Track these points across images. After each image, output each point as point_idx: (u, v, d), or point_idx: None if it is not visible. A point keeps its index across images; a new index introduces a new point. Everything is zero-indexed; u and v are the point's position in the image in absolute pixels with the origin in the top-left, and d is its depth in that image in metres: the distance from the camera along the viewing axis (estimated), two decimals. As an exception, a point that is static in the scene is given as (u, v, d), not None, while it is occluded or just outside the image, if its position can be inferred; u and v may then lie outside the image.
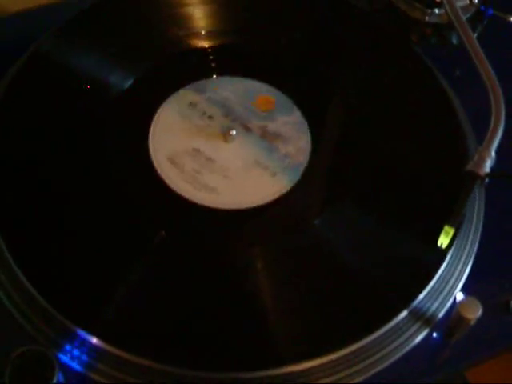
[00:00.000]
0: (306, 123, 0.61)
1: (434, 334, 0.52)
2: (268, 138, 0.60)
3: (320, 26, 0.67)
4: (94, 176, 0.56)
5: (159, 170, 0.57)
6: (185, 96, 0.61)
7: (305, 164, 0.58)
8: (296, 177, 0.58)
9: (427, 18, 0.66)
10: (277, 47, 0.64)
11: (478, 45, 0.61)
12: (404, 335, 0.51)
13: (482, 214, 0.58)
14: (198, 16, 0.66)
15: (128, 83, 0.61)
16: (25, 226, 0.53)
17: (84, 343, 0.49)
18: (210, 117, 0.60)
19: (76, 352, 0.49)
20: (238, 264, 0.53)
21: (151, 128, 0.59)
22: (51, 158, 0.56)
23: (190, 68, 0.63)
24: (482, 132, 0.58)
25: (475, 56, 0.60)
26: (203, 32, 0.65)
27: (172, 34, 0.64)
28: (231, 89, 0.62)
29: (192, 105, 0.60)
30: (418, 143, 0.59)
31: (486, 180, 0.55)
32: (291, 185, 0.57)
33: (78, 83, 0.60)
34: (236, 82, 0.62)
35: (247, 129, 0.60)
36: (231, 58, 0.64)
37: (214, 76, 0.62)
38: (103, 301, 0.50)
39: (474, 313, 0.49)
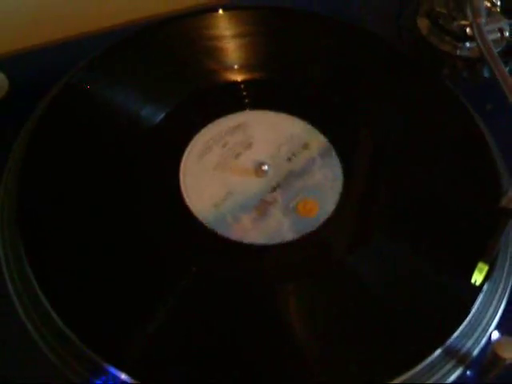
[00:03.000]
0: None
1: (469, 373, 0.51)
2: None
3: (351, 61, 0.66)
4: (126, 213, 0.56)
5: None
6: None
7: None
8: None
9: (458, 52, 0.66)
10: (310, 83, 0.64)
11: (510, 78, 0.60)
12: (438, 374, 0.50)
13: (515, 251, 0.57)
14: (231, 49, 0.66)
15: (159, 117, 0.61)
16: (57, 264, 0.52)
17: (114, 379, 0.48)
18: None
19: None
20: (272, 301, 0.52)
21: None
22: (81, 192, 0.56)
23: (222, 103, 0.63)
24: None
25: (508, 90, 0.59)
26: (236, 66, 0.65)
27: (203, 68, 0.64)
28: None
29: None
30: (451, 178, 0.59)
31: (522, 216, 0.54)
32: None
33: (109, 117, 0.60)
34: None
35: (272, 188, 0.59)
36: (264, 93, 0.64)
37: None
38: (133, 337, 0.49)
39: (510, 352, 0.48)
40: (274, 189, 0.58)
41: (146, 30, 0.66)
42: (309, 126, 0.62)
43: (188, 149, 0.59)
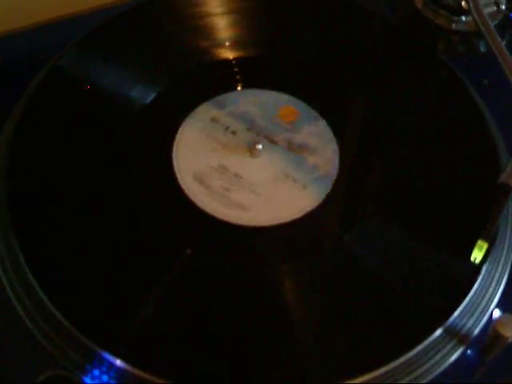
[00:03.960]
0: (331, 133, 0.59)
1: (470, 352, 0.51)
2: (295, 150, 0.58)
3: (343, 36, 0.65)
4: (117, 195, 0.55)
5: (186, 190, 0.55)
6: (206, 111, 0.59)
7: (334, 175, 0.57)
8: (327, 188, 0.56)
9: (454, 26, 0.65)
10: (298, 57, 0.63)
11: (507, 52, 0.59)
12: (439, 353, 0.50)
13: (515, 227, 0.56)
14: (221, 27, 0.65)
15: (150, 97, 0.59)
16: (49, 249, 0.51)
17: (109, 366, 0.47)
18: (234, 132, 0.58)
19: (101, 375, 0.47)
20: (269, 283, 0.51)
21: (174, 146, 0.57)
22: (72, 176, 0.55)
23: (213, 81, 0.61)
24: None
25: (505, 64, 0.58)
26: (227, 43, 0.64)
27: (195, 47, 0.63)
28: (253, 101, 0.60)
29: (214, 120, 0.59)
30: (448, 155, 0.58)
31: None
32: (323, 197, 0.56)
33: (99, 98, 0.59)
34: (257, 95, 0.61)
35: (273, 142, 0.58)
36: (252, 70, 0.63)
37: (238, 88, 0.61)
38: (128, 322, 0.49)
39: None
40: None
41: (135, 9, 0.64)
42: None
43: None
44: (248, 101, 0.60)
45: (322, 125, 0.60)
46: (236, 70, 0.62)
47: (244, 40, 0.64)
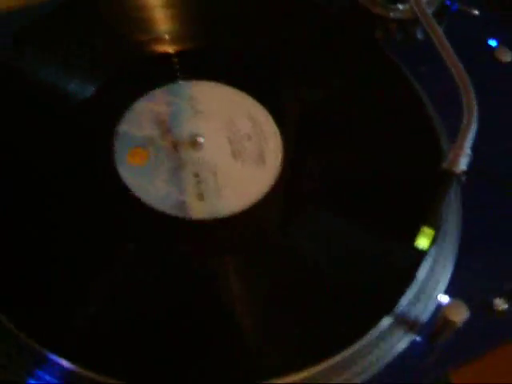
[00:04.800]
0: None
1: (419, 339, 0.51)
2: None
3: (282, 27, 0.64)
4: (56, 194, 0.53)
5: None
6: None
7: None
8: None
9: (391, 14, 0.65)
10: (239, 51, 0.63)
11: (445, 39, 0.59)
12: (388, 343, 0.50)
13: (459, 214, 0.56)
14: (160, 19, 0.63)
15: (89, 92, 0.58)
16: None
17: (55, 367, 0.46)
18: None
19: (47, 377, 0.46)
20: (211, 278, 0.51)
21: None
22: (10, 173, 0.53)
23: (152, 75, 0.60)
24: (453, 128, 0.56)
25: (443, 51, 0.58)
26: (166, 36, 0.62)
27: (133, 40, 0.62)
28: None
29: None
30: (388, 142, 0.58)
31: (463, 178, 0.53)
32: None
33: (36, 94, 0.57)
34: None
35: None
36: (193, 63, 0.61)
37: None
38: (72, 321, 0.47)
39: (461, 315, 0.48)
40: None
41: (71, 2, 0.63)
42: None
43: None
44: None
45: None
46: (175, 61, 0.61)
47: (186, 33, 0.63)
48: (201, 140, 0.56)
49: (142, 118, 0.57)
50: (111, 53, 0.61)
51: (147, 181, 0.54)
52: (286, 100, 0.60)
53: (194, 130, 0.57)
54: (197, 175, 0.55)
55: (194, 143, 0.56)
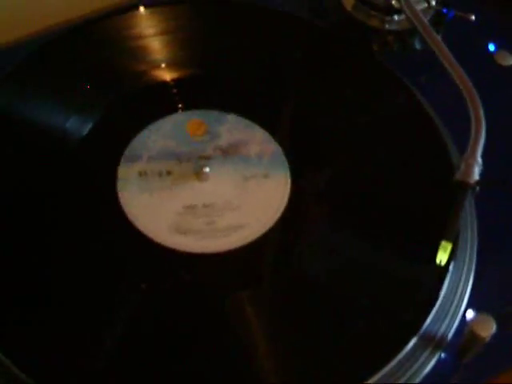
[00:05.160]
0: (245, 120, 0.58)
1: (446, 357, 0.49)
2: (230, 152, 0.57)
3: (279, 49, 0.63)
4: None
5: (177, 247, 0.52)
6: (128, 172, 0.55)
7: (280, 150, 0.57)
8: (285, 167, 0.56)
9: (387, 26, 0.64)
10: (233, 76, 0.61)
11: (445, 47, 0.58)
12: (416, 364, 0.48)
13: (475, 224, 0.55)
14: (156, 48, 0.62)
15: (87, 128, 0.56)
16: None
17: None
18: (169, 172, 0.55)
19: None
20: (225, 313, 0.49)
21: (129, 217, 0.53)
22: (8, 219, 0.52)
23: (152, 106, 0.59)
24: (457, 135, 0.57)
25: (444, 59, 0.58)
26: (163, 65, 0.61)
27: (129, 71, 0.60)
28: (160, 134, 0.57)
29: (142, 174, 0.55)
30: (397, 156, 0.57)
31: (477, 188, 0.52)
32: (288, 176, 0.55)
33: (31, 134, 0.56)
34: (157, 126, 0.58)
35: (207, 158, 0.56)
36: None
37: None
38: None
39: (488, 330, 0.46)
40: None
41: (63, 37, 0.61)
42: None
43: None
44: (155, 138, 0.57)
45: (231, 118, 0.58)
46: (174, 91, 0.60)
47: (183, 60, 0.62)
48: (206, 170, 0.55)
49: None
50: (107, 86, 0.59)
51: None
52: (290, 121, 0.59)
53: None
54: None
55: (200, 174, 0.55)
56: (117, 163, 0.55)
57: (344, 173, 0.56)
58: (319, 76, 0.61)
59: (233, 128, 0.58)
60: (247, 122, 0.58)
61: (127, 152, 0.56)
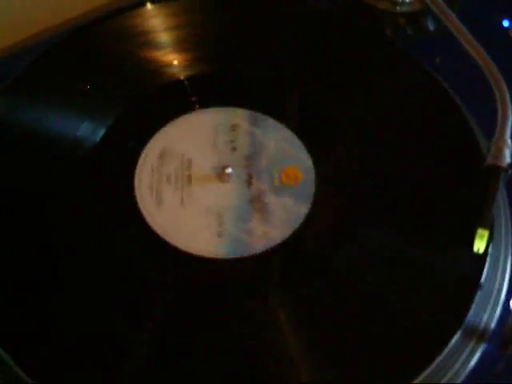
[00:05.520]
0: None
1: (490, 348, 0.48)
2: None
3: (292, 38, 0.61)
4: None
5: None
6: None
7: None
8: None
9: (398, 9, 0.62)
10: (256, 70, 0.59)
11: (463, 27, 0.56)
12: (461, 357, 0.47)
13: (507, 209, 0.53)
14: (167, 45, 0.59)
15: (100, 135, 0.54)
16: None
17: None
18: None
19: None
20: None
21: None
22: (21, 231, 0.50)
23: (165, 106, 0.56)
24: (482, 120, 0.55)
25: (464, 40, 0.56)
26: (175, 62, 0.58)
27: (139, 71, 0.58)
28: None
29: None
30: (424, 146, 0.54)
31: (510, 171, 0.50)
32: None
33: (41, 144, 0.53)
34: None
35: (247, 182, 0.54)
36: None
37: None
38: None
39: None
40: (249, 183, 0.53)
41: (67, 39, 0.59)
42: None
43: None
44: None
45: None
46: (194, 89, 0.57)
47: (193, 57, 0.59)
48: (229, 171, 0.52)
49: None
50: (117, 88, 0.57)
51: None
52: (313, 120, 0.57)
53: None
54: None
55: (222, 175, 0.52)
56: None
57: (371, 169, 0.54)
58: (337, 69, 0.59)
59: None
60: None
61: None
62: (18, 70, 0.56)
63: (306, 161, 0.54)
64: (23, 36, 0.63)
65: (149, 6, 0.60)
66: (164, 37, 0.59)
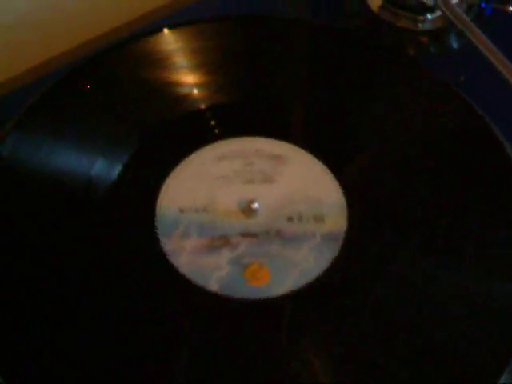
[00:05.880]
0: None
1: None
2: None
3: (305, 61, 0.58)
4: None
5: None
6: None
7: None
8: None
9: (420, 26, 0.59)
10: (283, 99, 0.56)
11: (489, 42, 0.54)
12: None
13: None
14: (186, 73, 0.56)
15: (116, 172, 0.51)
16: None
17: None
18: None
19: None
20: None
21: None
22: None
23: (186, 138, 0.53)
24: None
25: (491, 54, 0.53)
26: (195, 91, 0.55)
27: (157, 102, 0.54)
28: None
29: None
30: (457, 168, 0.52)
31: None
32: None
33: (52, 188, 0.50)
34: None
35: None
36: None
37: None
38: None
39: None
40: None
41: (75, 72, 0.55)
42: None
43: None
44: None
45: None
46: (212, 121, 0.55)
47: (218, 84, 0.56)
48: (255, 206, 0.49)
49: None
50: (133, 120, 0.53)
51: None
52: (344, 150, 0.54)
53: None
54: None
55: (248, 210, 0.49)
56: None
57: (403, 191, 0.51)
58: (363, 90, 0.56)
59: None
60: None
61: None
62: (23, 107, 0.53)
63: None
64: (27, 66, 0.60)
65: (166, 31, 0.57)
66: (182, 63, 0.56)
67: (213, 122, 0.54)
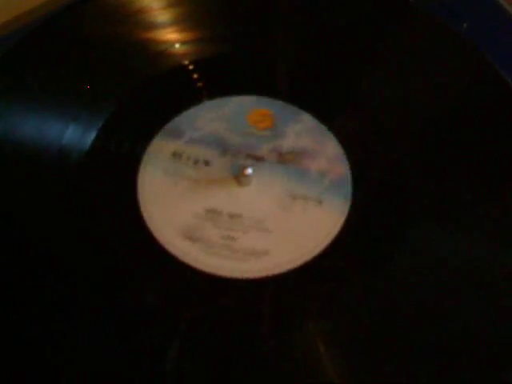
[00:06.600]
0: (322, 125, 0.48)
1: None
2: (288, 160, 0.46)
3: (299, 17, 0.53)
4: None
5: (179, 256, 0.42)
6: (162, 147, 0.46)
7: (348, 175, 0.46)
8: (347, 195, 0.45)
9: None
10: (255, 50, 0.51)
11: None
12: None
13: None
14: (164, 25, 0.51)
15: (90, 138, 0.46)
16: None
17: None
18: (206, 162, 0.46)
19: None
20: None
21: (140, 203, 0.44)
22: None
23: (162, 100, 0.48)
24: None
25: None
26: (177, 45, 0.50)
27: (134, 57, 0.49)
28: (214, 116, 0.47)
29: (176, 155, 0.46)
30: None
31: None
32: (347, 207, 0.44)
33: (19, 156, 0.45)
34: (216, 106, 0.48)
35: (258, 159, 0.46)
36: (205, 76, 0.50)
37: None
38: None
39: None
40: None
41: (41, 28, 0.50)
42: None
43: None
44: (208, 117, 0.47)
45: (307, 119, 0.48)
46: (191, 78, 0.49)
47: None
48: (248, 171, 0.44)
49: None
50: (110, 78, 0.49)
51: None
52: (332, 96, 0.49)
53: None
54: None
55: (239, 176, 0.45)
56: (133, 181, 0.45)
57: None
58: (362, 41, 0.51)
59: (305, 131, 0.47)
60: (323, 128, 0.48)
61: (172, 123, 0.47)
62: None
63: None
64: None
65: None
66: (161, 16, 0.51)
67: (199, 83, 0.49)
